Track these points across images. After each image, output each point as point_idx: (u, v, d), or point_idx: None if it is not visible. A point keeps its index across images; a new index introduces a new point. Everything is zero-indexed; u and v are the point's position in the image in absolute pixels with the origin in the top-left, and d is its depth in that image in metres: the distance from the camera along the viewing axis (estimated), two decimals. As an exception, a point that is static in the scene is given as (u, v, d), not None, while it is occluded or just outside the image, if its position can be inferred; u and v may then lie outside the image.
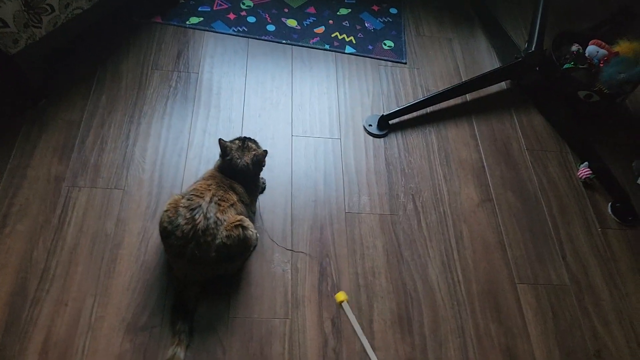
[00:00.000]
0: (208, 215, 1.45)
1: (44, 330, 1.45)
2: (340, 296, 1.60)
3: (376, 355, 1.54)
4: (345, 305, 1.58)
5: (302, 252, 1.72)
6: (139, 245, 1.65)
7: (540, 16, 2.28)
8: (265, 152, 1.64)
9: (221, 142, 1.60)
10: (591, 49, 2.23)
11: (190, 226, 1.43)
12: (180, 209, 1.46)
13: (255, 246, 1.68)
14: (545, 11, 2.30)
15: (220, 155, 1.63)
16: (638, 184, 2.10)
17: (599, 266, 1.86)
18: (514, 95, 2.35)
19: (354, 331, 1.57)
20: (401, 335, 1.61)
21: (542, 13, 2.28)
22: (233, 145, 1.62)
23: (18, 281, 1.52)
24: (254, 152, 1.62)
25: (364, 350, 1.55)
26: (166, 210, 1.49)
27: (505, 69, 2.28)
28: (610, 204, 2.03)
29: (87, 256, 1.60)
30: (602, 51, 2.20)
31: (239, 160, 1.59)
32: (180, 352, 1.43)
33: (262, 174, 1.75)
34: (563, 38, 2.32)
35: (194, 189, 1.53)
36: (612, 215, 2.00)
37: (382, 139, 2.09)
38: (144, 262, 1.62)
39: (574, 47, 2.27)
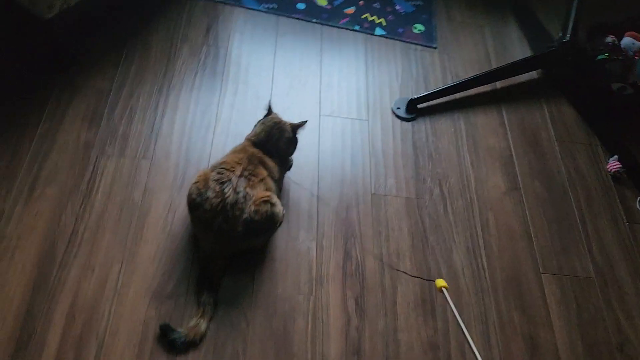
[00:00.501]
0: (238, 190, 1.44)
1: (71, 294, 1.46)
2: (441, 282, 1.51)
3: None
4: (446, 292, 1.49)
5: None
6: (166, 216, 1.65)
7: (576, 5, 2.23)
8: (305, 122, 1.66)
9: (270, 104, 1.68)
10: (627, 40, 2.18)
11: (219, 199, 1.43)
12: (210, 182, 1.46)
13: (281, 223, 1.68)
14: (581, 0, 2.25)
15: (262, 118, 1.67)
16: (668, 180, 2.07)
17: (625, 260, 1.84)
18: (544, 85, 2.32)
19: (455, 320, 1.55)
20: (424, 319, 1.60)
21: (578, 2, 2.23)
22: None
23: (47, 244, 1.52)
24: (294, 123, 1.66)
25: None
26: (195, 182, 1.49)
27: (537, 58, 2.25)
28: (638, 199, 2.00)
29: (114, 223, 1.60)
30: (638, 43, 2.16)
31: (283, 124, 1.63)
32: (203, 324, 1.43)
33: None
34: (597, 29, 2.28)
35: (224, 162, 1.53)
36: (641, 210, 1.98)
37: (410, 123, 2.07)
38: (170, 232, 1.62)
39: (609, 39, 2.22)
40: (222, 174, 1.47)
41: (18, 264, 1.48)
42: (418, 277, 1.66)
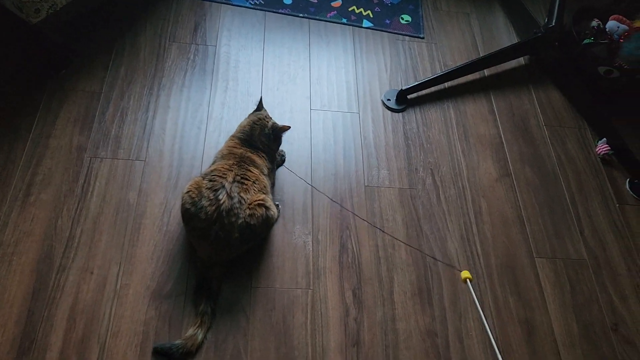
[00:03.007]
0: (232, 195, 1.44)
1: (71, 297, 1.47)
2: (465, 274, 1.52)
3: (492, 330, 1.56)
4: (469, 284, 1.50)
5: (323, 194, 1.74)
6: (162, 216, 1.66)
7: (561, -10, 2.25)
8: (287, 127, 1.68)
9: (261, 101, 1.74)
10: (611, 24, 2.21)
11: (214, 207, 1.42)
12: (204, 190, 1.45)
13: (277, 219, 1.69)
14: (566, -15, 2.27)
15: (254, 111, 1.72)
16: (656, 160, 2.10)
17: (617, 241, 1.87)
18: (532, 71, 2.34)
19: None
20: (421, 307, 1.63)
21: (563, -13, 2.25)
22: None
23: (44, 249, 1.53)
24: (278, 124, 1.68)
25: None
26: (188, 192, 1.47)
27: (524, 44, 2.26)
28: (628, 180, 2.03)
29: (110, 225, 1.61)
30: (623, 27, 2.18)
31: (266, 120, 1.67)
32: (200, 334, 1.44)
33: (282, 147, 1.77)
34: (583, 13, 2.29)
35: (215, 169, 1.51)
36: (630, 192, 2.01)
37: (400, 114, 2.08)
38: (167, 232, 1.63)
39: (594, 23, 2.24)
40: (214, 181, 1.46)
41: (16, 270, 1.49)
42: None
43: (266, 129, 1.65)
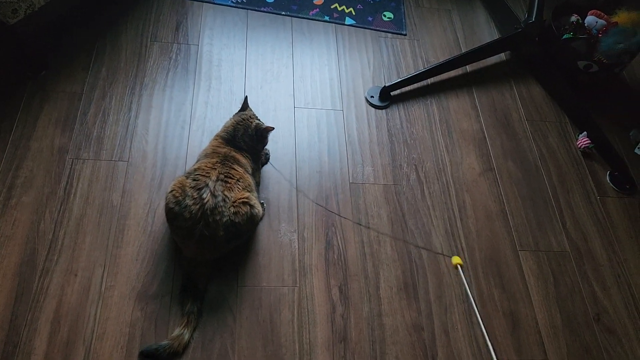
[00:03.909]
0: (216, 194, 1.44)
1: (55, 300, 1.45)
2: (456, 259, 1.55)
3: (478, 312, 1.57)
4: (460, 270, 1.52)
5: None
6: (146, 217, 1.65)
7: (540, -14, 2.27)
8: (271, 128, 1.67)
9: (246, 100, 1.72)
10: (590, 19, 2.24)
11: (198, 206, 1.42)
12: (187, 189, 1.44)
13: (262, 217, 1.69)
14: (545, -19, 2.29)
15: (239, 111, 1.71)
16: (635, 153, 2.14)
17: (598, 233, 1.90)
18: (513, 66, 2.36)
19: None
20: (407, 302, 1.64)
21: (542, -17, 2.28)
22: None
23: (26, 252, 1.51)
24: (262, 124, 1.68)
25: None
26: (171, 191, 1.46)
27: (505, 40, 2.29)
28: (608, 172, 2.07)
29: (94, 227, 1.60)
30: (601, 21, 2.21)
31: (250, 121, 1.65)
32: (187, 334, 1.43)
33: (267, 146, 1.76)
34: (562, 9, 2.32)
35: (198, 168, 1.51)
36: (611, 184, 2.04)
37: (384, 110, 2.09)
38: (151, 233, 1.62)
39: (573, 18, 2.27)
40: (197, 180, 1.46)
41: (-1, 273, 1.47)
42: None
43: (250, 130, 1.64)
